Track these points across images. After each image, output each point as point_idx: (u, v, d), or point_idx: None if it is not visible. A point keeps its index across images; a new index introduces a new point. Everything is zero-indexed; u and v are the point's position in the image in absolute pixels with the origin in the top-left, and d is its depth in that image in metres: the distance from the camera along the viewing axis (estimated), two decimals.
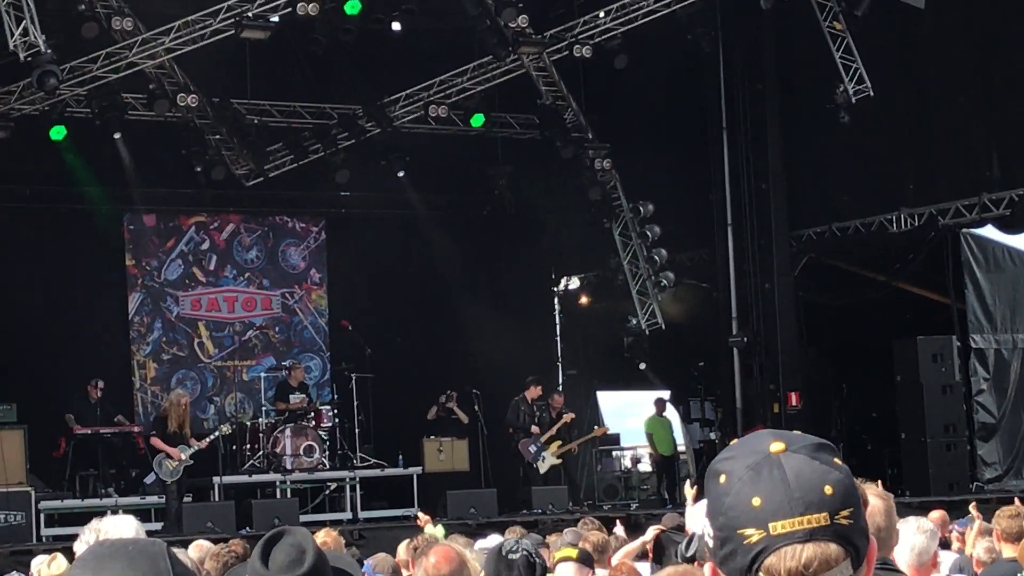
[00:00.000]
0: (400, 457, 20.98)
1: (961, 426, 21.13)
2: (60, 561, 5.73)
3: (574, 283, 26.83)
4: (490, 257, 25.12)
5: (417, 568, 5.70)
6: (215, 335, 23.80)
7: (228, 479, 19.42)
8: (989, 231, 21.93)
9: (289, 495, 19.87)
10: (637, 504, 22.81)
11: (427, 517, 12.47)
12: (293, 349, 24.14)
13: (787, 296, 22.83)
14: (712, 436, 24.39)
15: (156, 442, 18.69)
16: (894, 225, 22.17)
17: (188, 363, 23.56)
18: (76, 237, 22.40)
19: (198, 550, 8.58)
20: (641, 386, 25.60)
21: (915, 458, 21.03)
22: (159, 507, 19.00)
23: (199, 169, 21.87)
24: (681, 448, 24.91)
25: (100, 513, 5.77)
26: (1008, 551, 7.55)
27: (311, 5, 18.63)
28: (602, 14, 21.29)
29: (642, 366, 24.11)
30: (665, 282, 23.27)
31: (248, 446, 20.36)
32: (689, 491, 11.79)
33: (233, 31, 19.20)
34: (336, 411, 21.11)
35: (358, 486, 20.32)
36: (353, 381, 21.12)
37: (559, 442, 21.11)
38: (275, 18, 19.40)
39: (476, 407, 21.57)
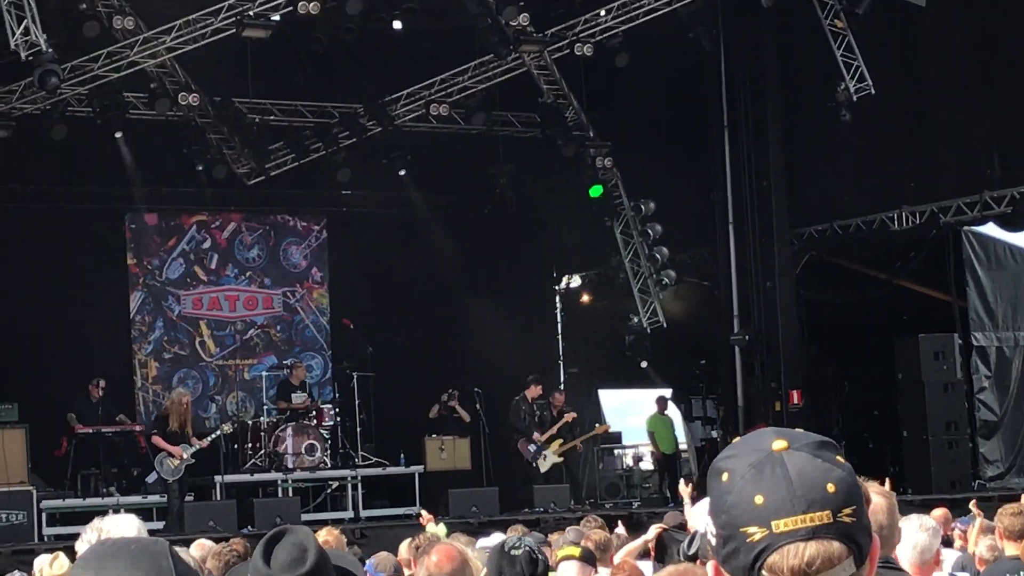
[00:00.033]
0: (402, 456, 20.99)
1: (963, 424, 21.14)
2: (62, 560, 5.72)
3: (575, 281, 26.83)
4: (491, 255, 25.13)
5: (419, 567, 5.70)
6: (216, 334, 23.80)
7: (230, 478, 19.43)
8: (990, 229, 21.94)
9: (291, 494, 19.86)
10: (639, 503, 22.81)
11: (430, 516, 12.49)
12: (294, 348, 24.14)
13: (788, 294, 22.83)
14: (714, 434, 24.39)
15: (158, 441, 18.69)
16: (895, 223, 22.17)
17: (189, 362, 23.57)
18: (77, 236, 22.42)
19: (200, 549, 8.58)
20: (643, 384, 25.61)
21: (917, 456, 21.03)
22: (161, 506, 19.00)
23: (200, 168, 21.89)
24: (683, 446, 24.92)
25: (102, 512, 5.77)
26: (1011, 549, 7.55)
27: (312, 4, 18.63)
28: (603, 12, 21.29)
29: (643, 364, 24.11)
30: (666, 280, 23.27)
31: (250, 445, 20.37)
32: (684, 489, 11.83)
33: (234, 30, 19.21)
34: (337, 410, 21.11)
35: (360, 485, 20.33)
36: (354, 380, 21.13)
37: (560, 440, 21.12)
38: (276, 17, 19.41)
39: (478, 406, 21.57)
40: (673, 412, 24.64)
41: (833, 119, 21.40)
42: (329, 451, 20.57)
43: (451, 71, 22.15)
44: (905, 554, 5.61)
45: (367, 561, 7.81)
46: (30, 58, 16.85)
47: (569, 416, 21.45)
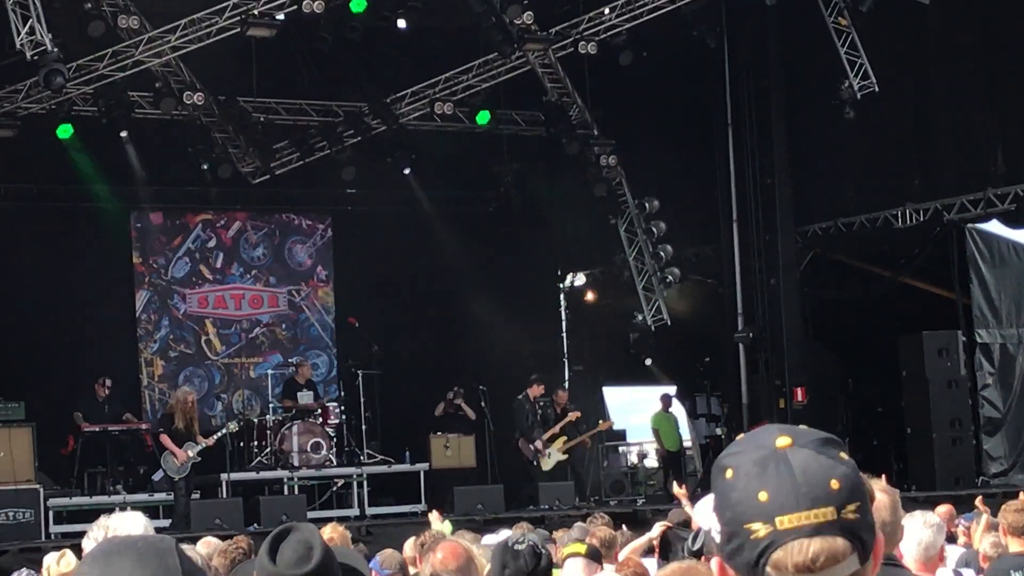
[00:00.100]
0: (407, 453, 20.99)
1: (967, 421, 21.14)
2: (69, 558, 5.74)
3: (580, 279, 26.81)
4: (496, 253, 25.11)
5: (424, 564, 5.71)
6: (222, 332, 23.82)
7: (236, 476, 19.46)
8: (994, 226, 21.91)
9: (296, 492, 19.88)
10: (643, 500, 22.81)
11: (439, 514, 12.49)
12: (300, 346, 24.16)
13: (792, 291, 22.83)
14: (718, 431, 24.38)
15: (164, 439, 18.73)
16: (899, 220, 22.17)
17: (195, 360, 23.59)
18: (83, 235, 22.43)
19: (206, 546, 8.61)
20: (647, 382, 25.61)
21: (921, 453, 21.04)
22: (167, 504, 19.03)
23: (205, 167, 21.91)
24: (687, 444, 24.92)
25: (108, 510, 5.78)
26: (1015, 545, 7.56)
27: (316, 3, 18.64)
28: (607, 10, 21.29)
29: (648, 362, 24.11)
30: (671, 278, 23.26)
31: (255, 443, 20.39)
32: (679, 491, 11.89)
33: (239, 29, 19.22)
34: (343, 408, 21.12)
35: (365, 482, 20.34)
36: (360, 378, 21.14)
37: (564, 438, 21.13)
38: (281, 16, 19.41)
39: (483, 403, 21.56)
40: (677, 409, 24.64)
41: (837, 116, 21.38)
42: (335, 449, 20.57)
43: (455, 70, 22.15)
44: (909, 550, 5.62)
45: (372, 558, 7.82)
46: (35, 57, 16.87)
47: (573, 416, 21.45)
